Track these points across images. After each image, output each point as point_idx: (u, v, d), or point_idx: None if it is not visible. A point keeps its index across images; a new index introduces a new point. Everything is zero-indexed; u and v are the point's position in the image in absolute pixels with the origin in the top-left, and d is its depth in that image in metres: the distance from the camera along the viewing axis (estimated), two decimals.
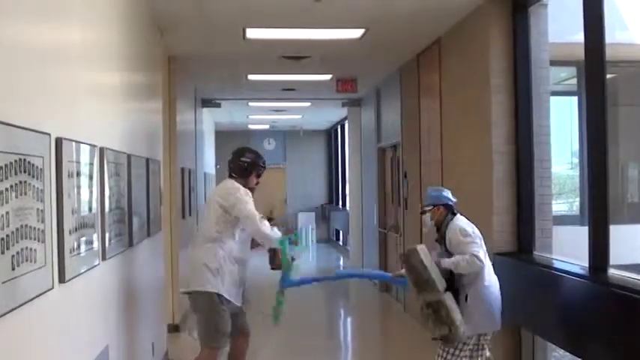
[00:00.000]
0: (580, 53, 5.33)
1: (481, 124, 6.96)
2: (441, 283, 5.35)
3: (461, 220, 5.54)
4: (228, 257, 5.57)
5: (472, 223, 5.63)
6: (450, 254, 5.47)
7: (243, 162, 5.78)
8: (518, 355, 6.62)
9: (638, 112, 7.96)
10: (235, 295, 5.65)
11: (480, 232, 5.60)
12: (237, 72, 11.13)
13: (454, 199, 5.68)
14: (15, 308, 2.81)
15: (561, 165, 8.99)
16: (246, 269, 5.79)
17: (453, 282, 5.52)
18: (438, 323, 5.32)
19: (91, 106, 4.40)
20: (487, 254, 5.54)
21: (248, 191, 5.67)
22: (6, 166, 2.74)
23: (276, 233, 5.61)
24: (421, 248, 5.48)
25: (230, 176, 5.83)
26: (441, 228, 5.58)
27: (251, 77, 11.52)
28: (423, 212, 5.70)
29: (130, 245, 5.41)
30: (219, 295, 5.51)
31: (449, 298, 5.33)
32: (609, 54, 5.13)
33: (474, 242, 5.39)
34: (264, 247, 5.76)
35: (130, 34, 5.89)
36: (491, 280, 5.53)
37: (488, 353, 5.67)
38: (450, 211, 5.60)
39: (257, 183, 5.85)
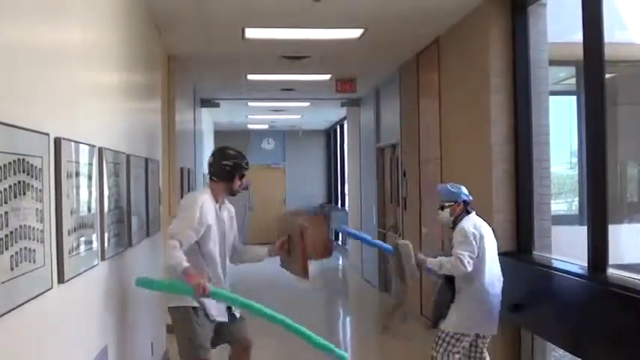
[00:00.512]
0: (579, 53, 5.33)
1: (480, 124, 6.96)
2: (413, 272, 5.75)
3: (469, 220, 5.57)
4: (201, 271, 5.05)
5: (484, 220, 5.70)
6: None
7: (226, 165, 5.28)
8: (518, 355, 6.62)
9: (637, 112, 7.96)
10: (217, 313, 5.21)
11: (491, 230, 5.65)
12: (237, 72, 11.12)
13: (471, 197, 5.73)
14: (14, 308, 2.80)
15: (560, 165, 8.99)
16: (225, 283, 5.33)
17: (453, 281, 5.59)
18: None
19: (90, 106, 4.39)
20: (489, 254, 5.54)
21: (202, 207, 5.09)
22: (5, 166, 2.73)
23: (174, 259, 4.83)
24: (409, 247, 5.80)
25: (211, 179, 5.39)
26: (455, 223, 5.62)
27: (250, 77, 11.52)
28: (443, 207, 5.71)
29: (129, 245, 5.40)
30: (194, 308, 5.10)
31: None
32: (608, 53, 5.13)
33: (465, 244, 5.42)
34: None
35: (129, 33, 5.89)
36: (492, 282, 5.53)
37: (486, 356, 5.69)
38: (466, 208, 5.66)
39: (240, 185, 5.38)
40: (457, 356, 5.51)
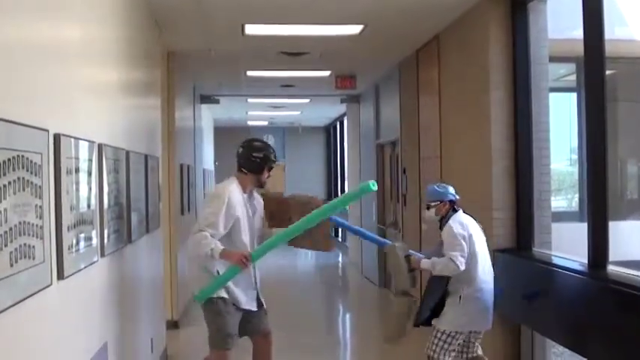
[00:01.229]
0: (579, 49, 5.33)
1: (480, 121, 6.96)
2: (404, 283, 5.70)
3: (457, 218, 5.57)
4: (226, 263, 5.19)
5: (473, 218, 5.69)
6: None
7: (256, 158, 5.37)
8: (517, 352, 6.62)
9: (638, 109, 7.95)
10: (246, 301, 5.35)
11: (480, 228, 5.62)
12: (236, 68, 11.12)
13: (457, 196, 5.74)
14: (13, 305, 2.80)
15: (560, 161, 8.98)
16: (255, 272, 5.44)
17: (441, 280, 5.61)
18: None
19: (90, 102, 4.39)
20: (479, 251, 5.54)
21: (230, 198, 5.20)
22: (4, 162, 2.73)
23: (207, 246, 5.03)
24: (398, 247, 5.81)
25: (239, 171, 5.42)
26: (442, 223, 5.63)
27: (250, 73, 11.51)
28: (429, 207, 5.75)
29: (128, 242, 5.40)
30: (222, 299, 5.23)
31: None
32: (608, 50, 5.12)
33: (456, 244, 5.43)
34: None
35: (128, 30, 5.88)
36: (486, 279, 5.54)
37: (479, 351, 5.68)
38: (453, 207, 5.67)
39: (268, 177, 5.48)
40: (453, 354, 5.53)
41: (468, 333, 5.58)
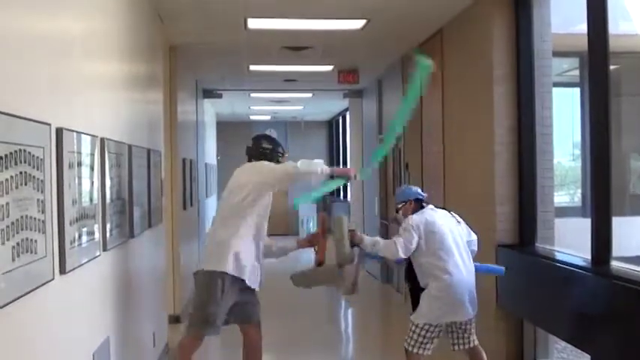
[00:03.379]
0: (583, 44, 5.31)
1: (483, 115, 6.94)
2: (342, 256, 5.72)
3: (419, 214, 5.66)
4: (249, 235, 5.31)
5: (451, 213, 5.78)
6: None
7: (265, 149, 5.60)
8: (520, 347, 6.62)
9: None
10: (250, 277, 5.31)
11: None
12: (239, 63, 11.10)
13: (424, 194, 5.88)
14: (16, 299, 2.80)
15: (563, 156, 8.97)
16: (260, 245, 5.48)
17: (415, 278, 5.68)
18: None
19: (92, 96, 4.38)
20: (453, 247, 5.53)
21: None
22: (6, 156, 2.72)
23: (315, 165, 5.36)
24: (345, 220, 5.88)
25: (249, 162, 5.63)
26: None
27: (252, 68, 11.50)
28: (397, 210, 5.93)
29: (131, 236, 5.40)
30: (222, 278, 5.17)
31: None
32: (612, 45, 5.10)
33: (404, 233, 5.55)
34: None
35: (130, 23, 5.87)
36: (459, 271, 5.49)
37: (476, 342, 5.66)
38: (421, 205, 5.77)
39: None
40: (429, 346, 5.53)
41: (446, 325, 5.57)
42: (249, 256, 5.32)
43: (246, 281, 5.30)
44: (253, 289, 5.44)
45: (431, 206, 5.76)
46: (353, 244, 5.75)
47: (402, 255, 5.52)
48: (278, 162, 5.57)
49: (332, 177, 5.45)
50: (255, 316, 5.56)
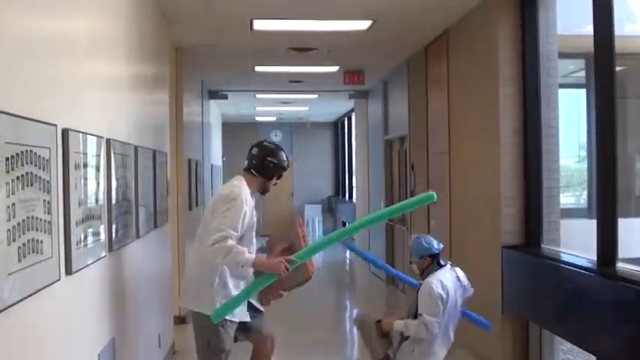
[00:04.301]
0: (589, 45, 5.30)
1: (489, 116, 6.94)
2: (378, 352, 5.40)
3: (438, 277, 5.12)
4: (229, 273, 4.92)
5: (457, 269, 5.33)
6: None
7: (270, 162, 5.08)
8: (526, 348, 6.61)
9: None
10: (240, 313, 4.99)
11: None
12: (245, 64, 11.11)
13: (439, 247, 5.24)
14: (22, 300, 2.80)
15: (569, 158, 8.95)
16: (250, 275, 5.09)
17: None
18: None
19: (98, 97, 4.39)
20: (448, 312, 5.14)
21: (246, 199, 4.90)
22: (12, 157, 2.73)
23: (239, 256, 4.68)
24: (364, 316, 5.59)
25: (248, 172, 5.10)
26: (423, 275, 5.24)
27: (258, 69, 11.50)
28: (412, 262, 5.35)
29: (136, 237, 5.41)
30: (221, 325, 4.88)
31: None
32: (618, 46, 5.09)
33: (432, 309, 5.02)
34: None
35: (137, 25, 5.88)
36: (445, 335, 5.18)
37: None
38: (436, 260, 5.20)
39: (275, 184, 5.24)
40: None
41: None
42: (235, 287, 4.96)
43: (235, 317, 4.98)
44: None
45: (448, 264, 5.24)
46: (384, 335, 5.40)
47: (435, 332, 5.05)
48: (280, 177, 5.20)
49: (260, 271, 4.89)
50: (262, 327, 5.28)
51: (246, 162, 5.16)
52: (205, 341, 4.97)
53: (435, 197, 4.83)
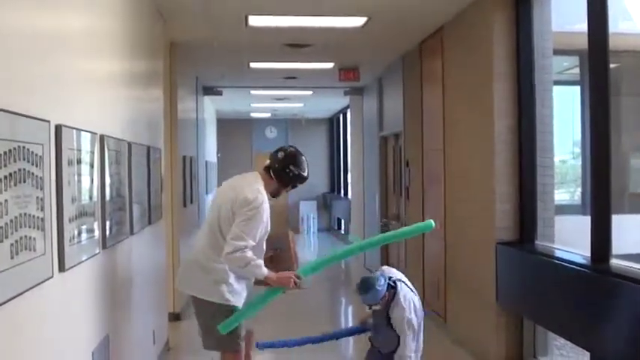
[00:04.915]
0: (583, 42, 5.30)
1: (483, 113, 6.94)
2: None
3: (402, 296, 5.13)
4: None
5: (405, 282, 5.32)
6: (391, 329, 5.17)
7: (291, 171, 5.13)
8: (520, 344, 6.62)
9: None
10: (242, 300, 5.11)
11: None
12: (240, 60, 11.10)
13: (387, 276, 5.22)
14: (14, 297, 2.80)
15: (563, 154, 8.97)
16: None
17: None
18: None
19: (92, 93, 4.38)
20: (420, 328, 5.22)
21: (266, 207, 4.94)
22: (5, 153, 2.72)
23: (256, 268, 4.82)
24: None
25: (267, 171, 5.12)
26: (388, 306, 5.22)
27: (253, 65, 11.49)
28: (373, 307, 5.30)
29: (130, 233, 5.40)
30: (226, 308, 4.96)
31: None
32: (612, 44, 5.10)
33: (410, 335, 5.09)
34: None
35: (131, 20, 5.87)
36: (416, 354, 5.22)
37: None
38: (392, 288, 5.19)
39: (287, 191, 5.29)
40: None
41: None
42: (240, 281, 5.06)
43: (239, 304, 5.06)
44: None
45: (396, 283, 5.20)
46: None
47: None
48: (295, 187, 5.28)
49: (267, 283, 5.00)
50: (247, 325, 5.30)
51: (267, 161, 5.19)
52: (210, 315, 4.99)
53: (434, 225, 5.08)
